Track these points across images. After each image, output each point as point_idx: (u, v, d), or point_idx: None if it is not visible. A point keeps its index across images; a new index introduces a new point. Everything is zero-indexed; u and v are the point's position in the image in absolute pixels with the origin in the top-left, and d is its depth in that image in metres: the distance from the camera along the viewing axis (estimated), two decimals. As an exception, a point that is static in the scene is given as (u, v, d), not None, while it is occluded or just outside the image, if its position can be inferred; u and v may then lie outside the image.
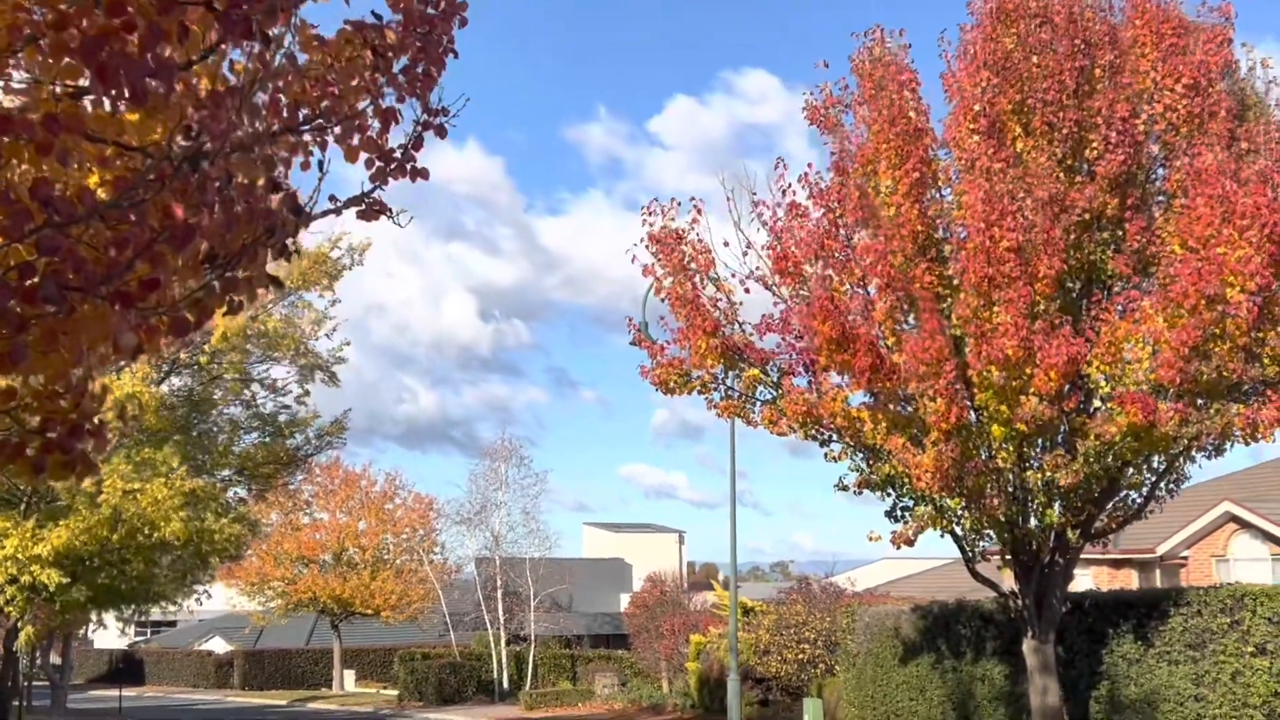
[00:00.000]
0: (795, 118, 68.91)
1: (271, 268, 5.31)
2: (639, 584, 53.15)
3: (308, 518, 51.27)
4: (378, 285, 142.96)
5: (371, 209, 6.54)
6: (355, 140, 6.02)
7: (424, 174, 6.43)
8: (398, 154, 6.21)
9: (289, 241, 5.90)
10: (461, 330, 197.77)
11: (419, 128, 6.11)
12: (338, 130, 5.99)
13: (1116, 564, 34.70)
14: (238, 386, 23.55)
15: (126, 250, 4.88)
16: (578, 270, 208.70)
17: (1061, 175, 15.28)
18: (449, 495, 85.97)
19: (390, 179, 6.33)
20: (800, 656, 30.06)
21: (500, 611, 42.27)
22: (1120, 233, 15.73)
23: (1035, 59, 15.44)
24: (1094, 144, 15.45)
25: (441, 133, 6.34)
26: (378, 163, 6.24)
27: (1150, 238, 15.30)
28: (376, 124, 6.06)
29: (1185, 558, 33.55)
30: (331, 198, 6.45)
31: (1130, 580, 33.91)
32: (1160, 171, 16.40)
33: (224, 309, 5.74)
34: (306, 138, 5.96)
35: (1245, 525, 31.90)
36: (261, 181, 5.37)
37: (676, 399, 16.52)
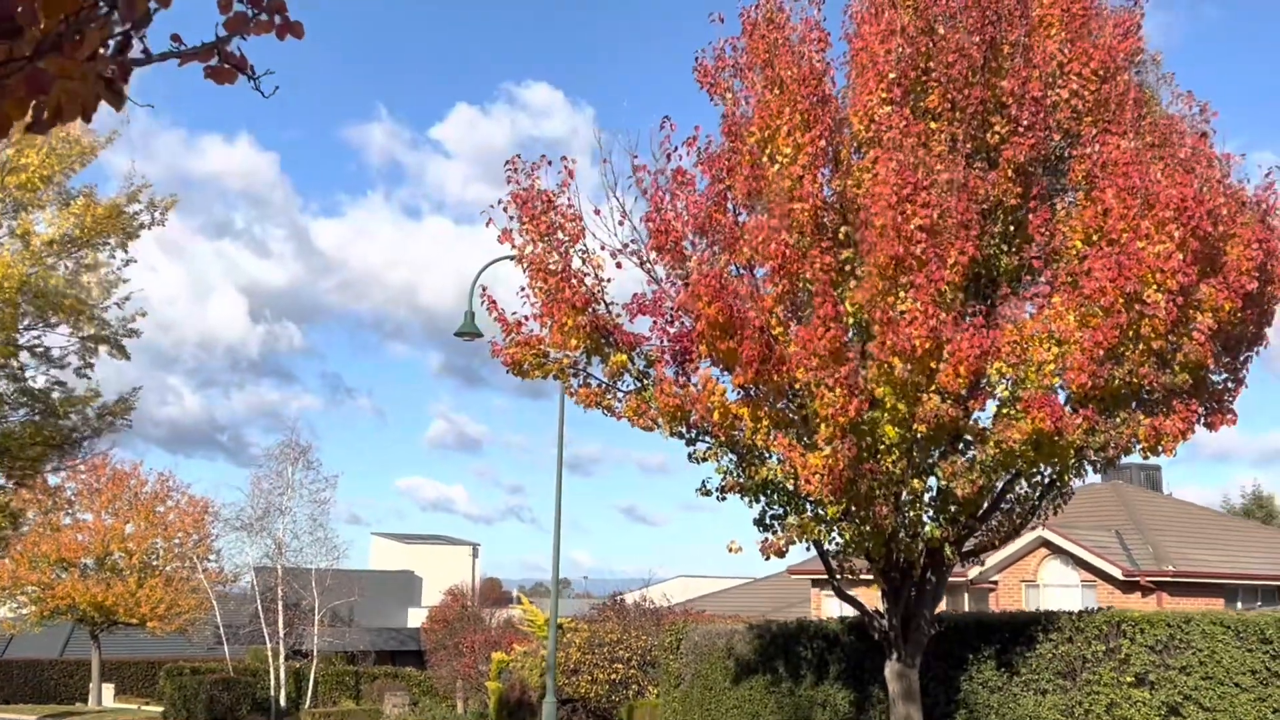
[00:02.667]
0: (580, 132, 67.99)
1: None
2: (430, 597, 50.52)
3: (69, 518, 47.09)
4: (139, 280, 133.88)
5: (227, 62, 4.67)
6: (212, -35, 4.26)
7: (296, 30, 4.63)
8: (264, -2, 4.45)
9: (133, 41, 3.97)
10: (230, 331, 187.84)
11: (292, -37, 4.41)
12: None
13: (925, 587, 34.25)
14: (6, 351, 20.27)
15: None
16: (354, 274, 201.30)
17: (962, 160, 13.94)
18: (227, 499, 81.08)
19: (251, 30, 4.55)
20: (613, 676, 28.48)
21: (280, 624, 39.22)
22: (1013, 225, 14.54)
23: (940, 29, 14.11)
24: (997, 127, 14.21)
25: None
26: (237, 5, 4.48)
27: (1053, 230, 14.14)
28: (241, -56, 4.34)
29: (995, 582, 33.30)
30: (174, 36, 4.56)
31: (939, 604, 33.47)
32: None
33: (25, 120, 3.75)
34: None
35: (1057, 550, 31.79)
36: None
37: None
